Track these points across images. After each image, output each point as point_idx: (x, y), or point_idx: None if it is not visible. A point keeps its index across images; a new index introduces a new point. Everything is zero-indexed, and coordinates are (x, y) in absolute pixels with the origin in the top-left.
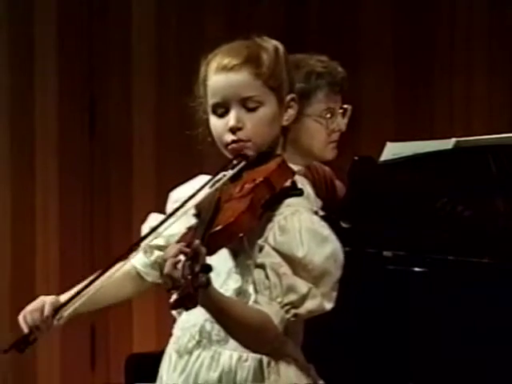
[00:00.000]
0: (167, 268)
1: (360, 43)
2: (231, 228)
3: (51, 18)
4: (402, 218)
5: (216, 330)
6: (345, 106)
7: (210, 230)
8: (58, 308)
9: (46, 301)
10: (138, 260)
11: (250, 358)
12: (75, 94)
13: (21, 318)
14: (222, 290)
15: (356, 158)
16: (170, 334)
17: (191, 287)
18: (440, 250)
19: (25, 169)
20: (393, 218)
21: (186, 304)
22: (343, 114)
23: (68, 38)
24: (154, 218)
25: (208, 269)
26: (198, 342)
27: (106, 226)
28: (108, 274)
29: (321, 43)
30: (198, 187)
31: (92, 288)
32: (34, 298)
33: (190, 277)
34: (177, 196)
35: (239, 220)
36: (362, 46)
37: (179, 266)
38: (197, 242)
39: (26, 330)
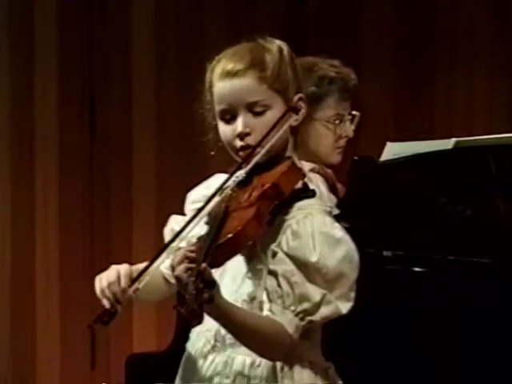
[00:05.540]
0: (177, 271)
1: (360, 43)
2: (237, 238)
3: (51, 18)
4: (402, 218)
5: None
6: (353, 112)
7: (217, 242)
8: (133, 279)
9: (120, 272)
10: (164, 263)
11: (263, 363)
12: (75, 94)
13: (99, 292)
14: (237, 295)
15: (356, 157)
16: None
17: (195, 303)
18: (440, 249)
19: (25, 169)
20: (393, 218)
21: (190, 320)
22: (351, 121)
23: (68, 37)
24: (174, 221)
25: (212, 285)
26: (213, 347)
27: (105, 225)
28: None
29: (321, 43)
30: (217, 187)
31: (155, 265)
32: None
33: (194, 292)
34: (194, 196)
35: (245, 230)
36: (363, 45)
37: (187, 273)
38: (203, 264)
39: (107, 305)
